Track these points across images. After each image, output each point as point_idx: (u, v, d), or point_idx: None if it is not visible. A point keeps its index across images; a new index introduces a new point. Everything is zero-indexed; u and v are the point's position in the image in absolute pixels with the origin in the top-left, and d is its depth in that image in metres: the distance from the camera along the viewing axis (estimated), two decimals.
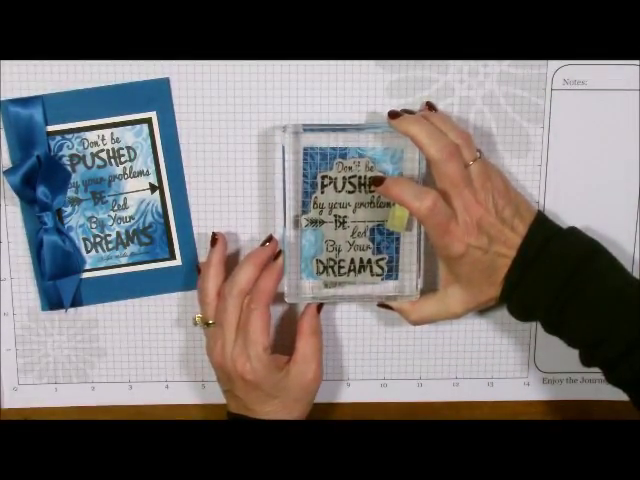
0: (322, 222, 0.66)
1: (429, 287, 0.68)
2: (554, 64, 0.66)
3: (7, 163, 0.65)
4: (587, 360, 0.61)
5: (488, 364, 0.71)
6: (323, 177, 0.65)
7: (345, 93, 0.66)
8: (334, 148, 0.65)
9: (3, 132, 0.65)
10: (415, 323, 0.66)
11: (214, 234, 0.66)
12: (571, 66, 0.66)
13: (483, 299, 0.63)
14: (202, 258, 0.68)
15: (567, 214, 0.67)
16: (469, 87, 0.66)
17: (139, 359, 0.70)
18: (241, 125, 0.66)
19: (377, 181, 0.61)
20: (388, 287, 0.67)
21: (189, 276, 0.68)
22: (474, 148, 0.62)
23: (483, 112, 0.66)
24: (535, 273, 0.60)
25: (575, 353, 0.62)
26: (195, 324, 0.66)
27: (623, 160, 0.67)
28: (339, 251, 0.66)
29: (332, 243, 0.66)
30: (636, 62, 0.65)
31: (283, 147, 0.64)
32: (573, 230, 0.63)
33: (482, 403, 0.71)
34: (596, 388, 0.70)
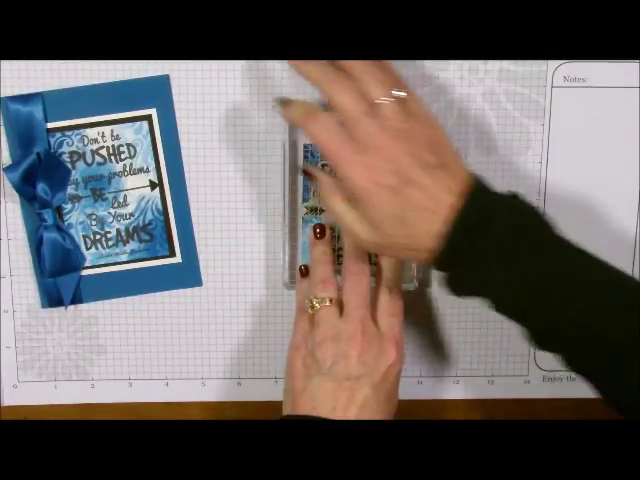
0: (322, 210, 0.66)
1: (425, 275, 0.68)
2: (554, 61, 0.66)
3: (7, 160, 0.65)
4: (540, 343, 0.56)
5: (488, 362, 0.70)
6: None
7: None
8: None
9: (3, 129, 0.65)
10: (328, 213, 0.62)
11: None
12: (571, 63, 0.66)
13: (400, 253, 0.57)
14: (202, 255, 0.67)
15: (567, 211, 0.67)
16: (469, 84, 0.66)
17: (139, 356, 0.70)
18: (241, 122, 0.66)
19: (284, 103, 0.58)
20: None
21: (189, 273, 0.68)
22: (389, 85, 0.55)
23: (483, 109, 0.66)
24: (481, 238, 0.53)
25: None
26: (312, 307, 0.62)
27: (623, 157, 0.67)
28: (338, 239, 0.66)
29: (332, 231, 0.66)
30: (636, 60, 0.66)
31: (284, 144, 0.65)
32: (516, 197, 0.56)
33: (482, 401, 0.71)
34: None
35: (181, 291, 0.69)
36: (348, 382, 0.59)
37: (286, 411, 0.62)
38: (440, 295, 0.69)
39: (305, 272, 0.65)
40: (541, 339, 0.56)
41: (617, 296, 0.54)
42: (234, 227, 0.68)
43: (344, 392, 0.59)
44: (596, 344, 0.54)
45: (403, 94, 0.55)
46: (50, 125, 0.65)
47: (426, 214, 0.54)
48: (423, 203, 0.54)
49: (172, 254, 0.68)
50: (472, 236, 0.53)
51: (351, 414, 0.59)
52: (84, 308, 0.68)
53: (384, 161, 0.54)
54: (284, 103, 0.59)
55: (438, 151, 0.55)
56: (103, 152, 0.66)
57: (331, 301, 0.61)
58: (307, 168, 0.62)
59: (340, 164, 0.55)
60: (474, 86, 0.66)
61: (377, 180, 0.54)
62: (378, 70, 0.56)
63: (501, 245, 0.53)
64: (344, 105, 0.54)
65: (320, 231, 0.64)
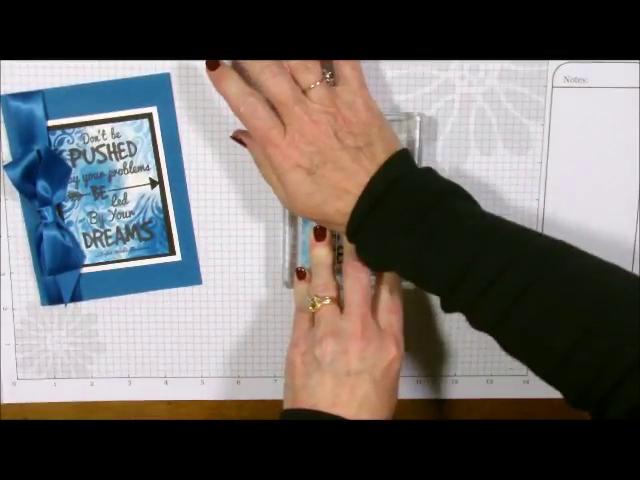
0: None
1: None
2: (555, 61, 0.66)
3: (7, 157, 0.65)
4: (447, 305, 0.57)
5: (487, 361, 0.71)
6: None
7: None
8: None
9: (3, 126, 0.65)
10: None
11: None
12: (572, 63, 0.66)
13: (321, 223, 0.62)
14: (202, 253, 0.68)
15: (567, 211, 0.67)
16: (470, 84, 0.66)
17: (138, 354, 0.70)
18: None
19: (211, 65, 0.59)
20: None
21: (189, 272, 0.68)
22: (318, 72, 0.58)
23: (484, 109, 0.66)
24: (385, 210, 0.56)
25: None
26: (313, 305, 0.63)
27: (623, 158, 0.67)
28: (338, 238, 0.66)
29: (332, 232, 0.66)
30: (636, 60, 0.66)
31: None
32: (429, 170, 0.59)
33: (481, 401, 0.71)
34: None
35: (181, 289, 0.69)
36: (348, 378, 0.59)
37: (286, 407, 0.62)
38: None
39: (302, 275, 0.65)
40: (445, 303, 0.57)
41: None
42: (234, 226, 0.68)
43: (344, 388, 0.59)
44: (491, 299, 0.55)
45: (330, 79, 0.60)
46: (50, 122, 0.65)
47: (339, 193, 0.57)
48: (338, 183, 0.57)
49: (172, 252, 0.68)
50: (373, 210, 0.56)
51: (351, 410, 0.59)
52: (84, 306, 0.69)
53: (305, 143, 0.57)
54: (225, 73, 0.59)
55: (363, 133, 0.58)
56: (103, 150, 0.66)
57: (332, 300, 0.62)
58: (237, 134, 0.63)
59: (265, 146, 0.58)
60: (474, 86, 0.66)
61: (296, 161, 0.57)
62: (312, 62, 0.59)
63: (398, 217, 0.56)
64: (278, 93, 0.57)
65: (320, 233, 0.64)
